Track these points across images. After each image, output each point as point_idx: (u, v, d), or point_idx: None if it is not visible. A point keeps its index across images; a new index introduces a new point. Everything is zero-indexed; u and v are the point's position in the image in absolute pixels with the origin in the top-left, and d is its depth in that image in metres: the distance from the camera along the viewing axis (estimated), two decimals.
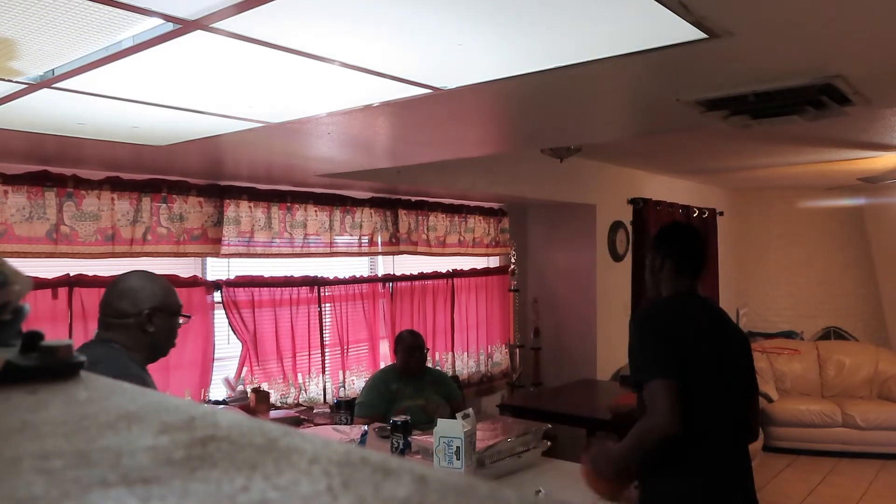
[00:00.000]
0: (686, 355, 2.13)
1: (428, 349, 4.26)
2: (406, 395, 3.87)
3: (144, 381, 1.87)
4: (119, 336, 1.92)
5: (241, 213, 3.91)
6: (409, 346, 4.01)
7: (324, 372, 4.34)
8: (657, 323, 2.23)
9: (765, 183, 7.01)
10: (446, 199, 5.17)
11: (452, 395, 4.11)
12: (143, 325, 1.92)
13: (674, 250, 2.34)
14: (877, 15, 1.45)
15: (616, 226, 5.84)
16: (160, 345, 1.99)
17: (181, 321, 2.04)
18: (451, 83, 1.85)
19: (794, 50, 1.68)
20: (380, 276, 4.85)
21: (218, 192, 3.83)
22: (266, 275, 4.08)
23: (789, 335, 7.25)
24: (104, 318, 1.95)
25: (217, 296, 3.87)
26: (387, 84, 1.83)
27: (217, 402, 3.72)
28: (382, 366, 4.49)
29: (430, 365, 4.49)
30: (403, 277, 4.91)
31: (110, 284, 2.01)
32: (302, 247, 4.23)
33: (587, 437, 4.90)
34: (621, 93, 2.19)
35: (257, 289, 4.01)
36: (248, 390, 3.85)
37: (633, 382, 2.23)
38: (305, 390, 4.24)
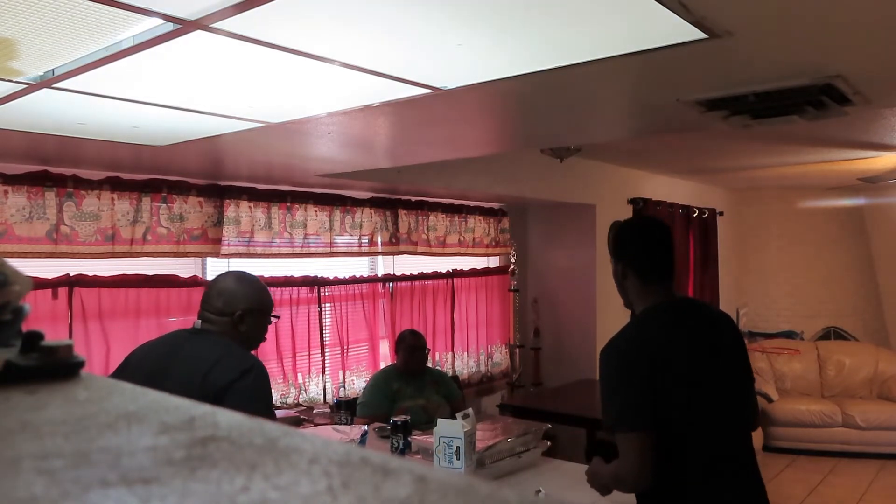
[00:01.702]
0: (666, 387, 1.91)
1: (429, 349, 4.26)
2: (406, 395, 3.87)
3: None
4: (217, 329, 2.13)
5: (241, 213, 3.91)
6: (411, 346, 4.01)
7: (324, 372, 4.34)
8: (625, 359, 1.96)
9: (765, 183, 7.01)
10: (446, 199, 5.17)
11: (452, 394, 4.11)
12: (236, 324, 2.13)
13: (632, 255, 2.07)
14: (877, 15, 1.45)
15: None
16: (251, 340, 2.19)
17: (272, 320, 2.23)
18: (451, 83, 1.85)
19: (794, 50, 1.68)
20: (380, 276, 4.85)
21: (218, 192, 3.83)
22: (266, 275, 4.08)
23: (789, 335, 7.25)
24: (204, 313, 2.17)
25: None
26: (387, 84, 1.83)
27: None
28: (383, 366, 4.49)
29: (430, 365, 4.49)
30: (403, 277, 4.91)
31: (211, 282, 2.25)
32: (302, 247, 4.23)
33: (587, 437, 4.90)
34: (621, 93, 2.19)
35: None
36: None
37: (604, 423, 1.99)
38: (305, 390, 4.24)
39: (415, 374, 3.98)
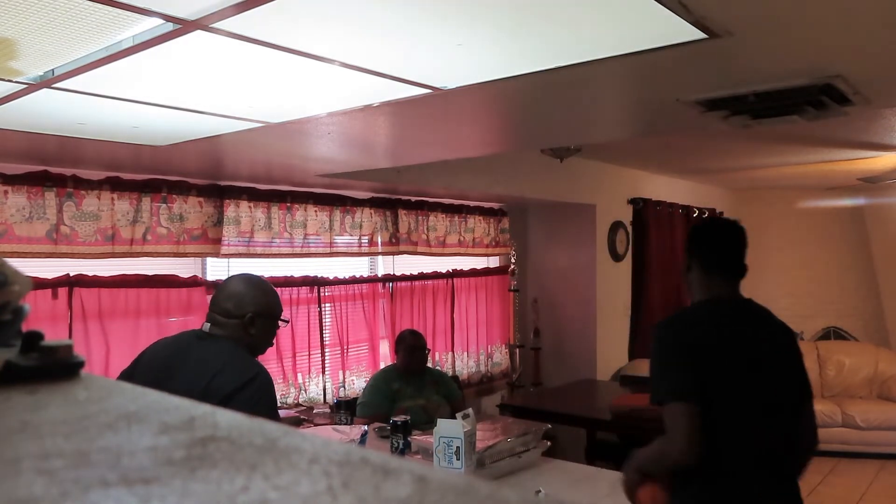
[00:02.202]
0: (709, 374, 1.97)
1: (429, 349, 4.25)
2: (406, 395, 3.87)
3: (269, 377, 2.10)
4: (226, 332, 2.12)
5: (241, 213, 3.91)
6: (411, 346, 4.01)
7: (324, 372, 4.34)
8: (678, 337, 2.04)
9: (765, 183, 7.00)
10: (446, 199, 5.17)
11: (452, 394, 4.11)
12: (245, 327, 2.12)
13: (701, 251, 2.14)
14: (877, 15, 1.45)
15: (616, 226, 5.84)
16: (259, 344, 2.19)
17: (280, 325, 2.23)
18: (451, 83, 1.85)
19: (794, 50, 1.68)
20: (380, 276, 4.85)
21: (218, 192, 3.83)
22: (266, 275, 4.07)
23: None
24: (213, 315, 2.15)
25: None
26: (387, 84, 1.83)
27: None
28: (383, 366, 4.49)
29: (430, 365, 4.49)
30: (403, 277, 4.91)
31: (221, 284, 2.26)
32: (302, 247, 4.23)
33: (587, 437, 4.90)
34: (621, 93, 2.19)
35: None
36: None
37: (652, 399, 2.06)
38: (305, 390, 4.24)
39: (415, 374, 3.98)
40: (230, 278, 2.27)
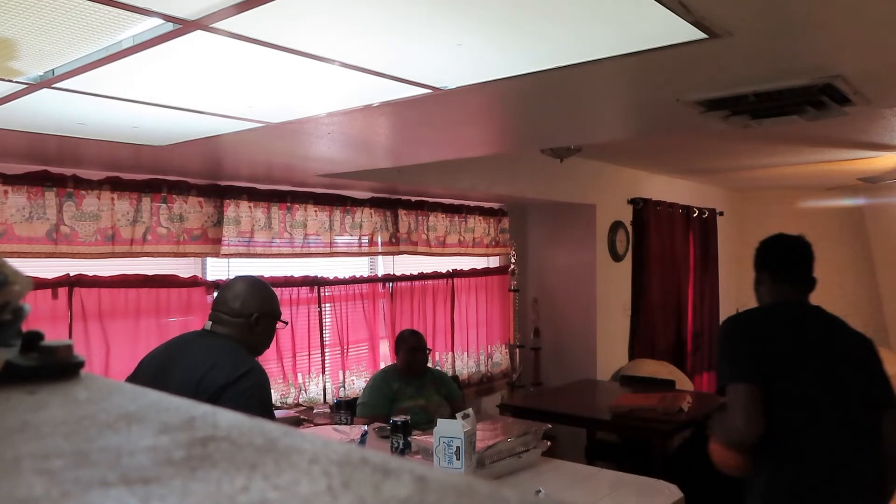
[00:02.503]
0: (773, 366, 2.06)
1: (430, 349, 4.25)
2: (407, 395, 3.87)
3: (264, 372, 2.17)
4: (229, 331, 2.19)
5: (241, 213, 3.91)
6: (412, 347, 4.00)
7: (324, 372, 4.34)
8: (744, 330, 2.18)
9: (765, 183, 7.00)
10: (446, 199, 5.17)
11: (453, 394, 4.11)
12: (251, 326, 2.21)
13: (771, 265, 2.28)
14: (877, 15, 1.45)
15: (616, 226, 5.84)
16: (260, 344, 2.27)
17: (279, 325, 2.33)
18: (451, 83, 1.85)
19: (794, 50, 1.68)
20: (380, 276, 4.85)
21: (218, 192, 3.83)
22: (266, 275, 4.08)
23: None
24: (218, 314, 2.22)
25: None
26: (387, 84, 1.83)
27: None
28: (382, 366, 4.49)
29: (430, 365, 4.49)
30: (403, 277, 4.91)
31: (226, 284, 2.34)
32: (302, 247, 4.23)
33: (587, 437, 4.91)
34: (621, 93, 2.19)
35: None
36: None
37: (717, 388, 2.20)
38: (305, 390, 4.23)
39: (416, 374, 3.98)
40: (236, 279, 2.36)
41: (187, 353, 2.11)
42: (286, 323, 2.43)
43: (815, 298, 2.30)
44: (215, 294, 2.44)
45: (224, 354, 2.08)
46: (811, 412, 2.07)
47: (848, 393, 2.09)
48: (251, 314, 2.19)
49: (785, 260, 2.27)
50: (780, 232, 2.38)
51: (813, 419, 2.07)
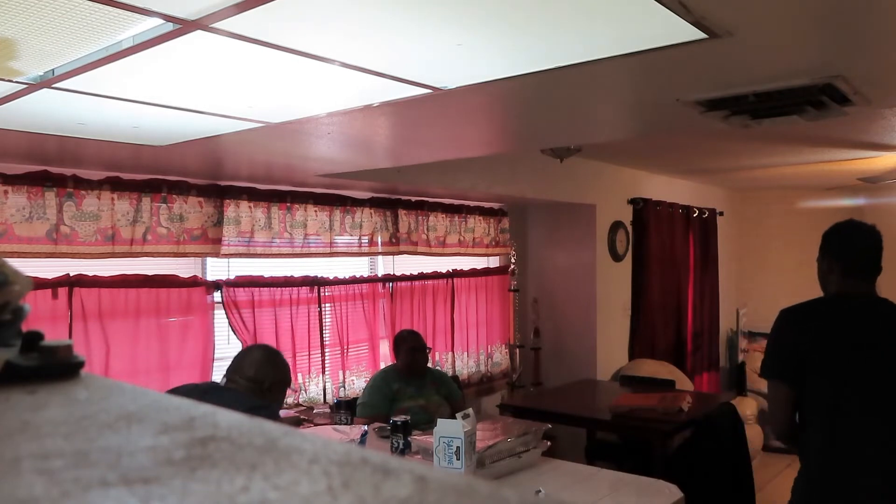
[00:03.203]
0: (809, 358, 2.16)
1: (430, 348, 4.24)
2: (407, 395, 3.87)
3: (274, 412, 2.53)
4: (243, 391, 2.46)
5: (241, 213, 3.91)
6: (412, 347, 4.00)
7: (324, 372, 4.34)
8: (793, 324, 2.26)
9: (765, 183, 7.00)
10: (446, 199, 5.17)
11: (453, 394, 4.10)
12: (262, 392, 2.47)
13: (834, 251, 2.28)
14: (877, 15, 1.45)
15: (616, 226, 5.84)
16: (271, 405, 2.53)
17: (289, 392, 2.71)
18: (451, 83, 1.85)
19: (794, 50, 1.68)
20: (380, 276, 4.85)
21: (218, 192, 3.83)
22: (266, 275, 4.08)
23: None
24: (235, 376, 2.49)
25: (217, 296, 3.87)
26: (387, 84, 1.83)
27: None
28: (383, 366, 4.49)
29: (430, 365, 4.48)
30: (403, 277, 4.90)
31: (242, 352, 2.66)
32: (302, 247, 4.23)
33: (587, 437, 4.90)
34: (621, 93, 2.19)
35: (257, 289, 4.01)
36: None
37: (760, 372, 2.36)
38: (305, 390, 4.23)
39: (416, 374, 3.98)
40: (252, 348, 2.70)
41: (206, 400, 2.25)
42: (296, 391, 2.79)
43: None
44: (232, 360, 2.65)
45: (241, 398, 2.32)
46: (843, 405, 2.16)
47: (876, 391, 2.15)
48: (263, 382, 2.47)
49: (851, 252, 2.26)
50: (851, 219, 2.36)
51: (844, 412, 2.15)
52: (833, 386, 2.16)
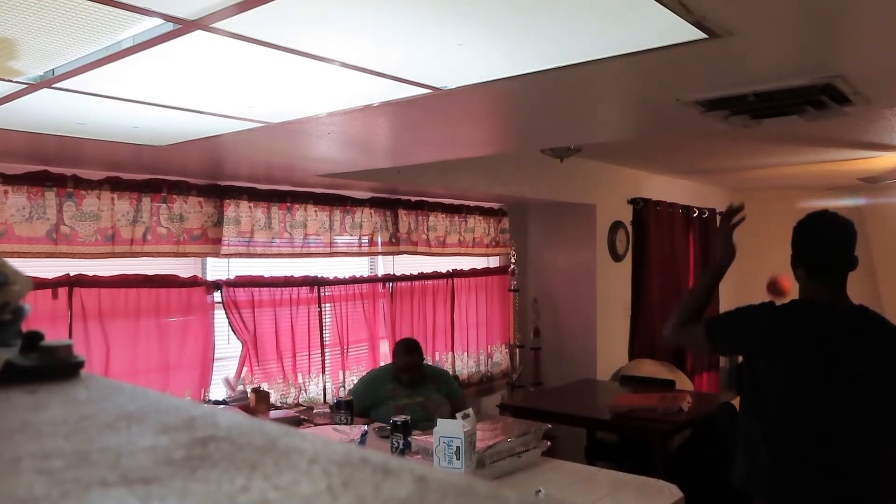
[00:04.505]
0: (754, 364, 2.16)
1: (426, 358, 4.13)
2: (404, 394, 3.86)
3: None
4: None
5: (241, 213, 3.91)
6: (405, 366, 3.91)
7: (324, 372, 4.34)
8: (751, 318, 2.20)
9: (765, 183, 7.00)
10: (446, 199, 5.17)
11: (454, 393, 4.09)
12: None
13: (796, 250, 2.19)
14: (877, 15, 1.45)
15: (616, 226, 5.84)
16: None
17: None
18: (451, 83, 1.85)
19: (794, 50, 1.68)
20: (380, 276, 4.85)
21: (218, 192, 3.83)
22: (266, 275, 4.08)
23: None
24: None
25: (217, 296, 3.87)
26: (387, 84, 1.83)
27: (217, 402, 3.72)
28: (382, 364, 4.48)
29: (430, 362, 4.48)
30: (403, 277, 4.90)
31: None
32: (302, 247, 4.23)
33: (587, 437, 4.90)
34: (621, 93, 2.19)
35: (257, 289, 4.01)
36: (248, 390, 3.85)
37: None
38: (305, 390, 4.23)
39: (411, 383, 3.94)
40: None
41: None
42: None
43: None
44: None
45: None
46: (780, 415, 2.10)
47: (849, 399, 2.04)
48: None
49: (820, 250, 2.10)
50: (818, 210, 2.17)
51: (783, 422, 2.09)
52: (771, 396, 2.10)
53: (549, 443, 3.03)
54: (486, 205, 5.50)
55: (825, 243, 2.12)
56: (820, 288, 2.12)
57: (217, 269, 3.98)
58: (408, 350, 3.97)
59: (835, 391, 2.04)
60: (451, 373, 5.06)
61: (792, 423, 2.07)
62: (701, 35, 1.47)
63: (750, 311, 2.20)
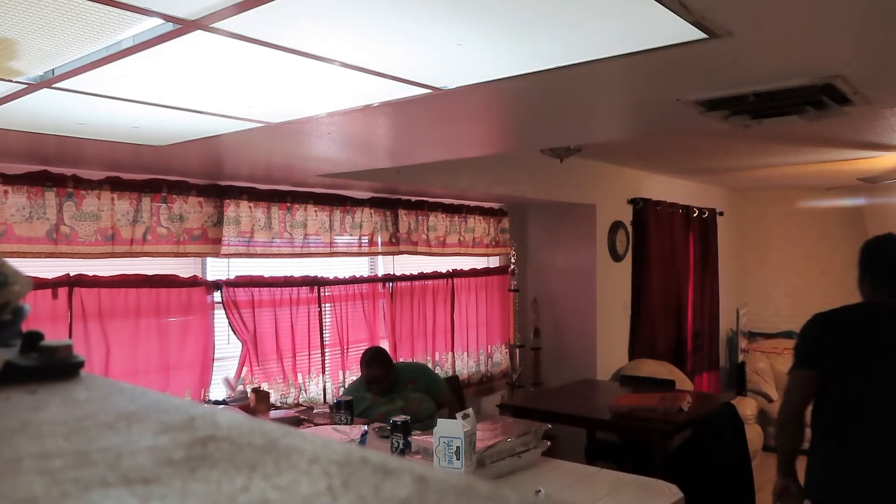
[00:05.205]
0: (835, 363, 2.34)
1: (392, 370, 4.00)
2: (382, 402, 3.84)
3: None
4: None
5: (241, 213, 3.91)
6: (369, 379, 3.89)
7: (324, 372, 4.34)
8: (821, 324, 2.44)
9: (765, 183, 7.00)
10: (446, 199, 5.17)
11: (433, 385, 4.05)
12: None
13: (865, 262, 2.50)
14: (877, 15, 1.45)
15: (616, 226, 5.84)
16: None
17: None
18: (451, 83, 1.85)
19: (794, 50, 1.68)
20: (380, 276, 4.85)
21: (218, 192, 3.83)
22: (266, 275, 4.08)
23: (789, 335, 7.24)
24: None
25: (217, 296, 3.87)
26: (387, 84, 1.83)
27: (217, 402, 3.72)
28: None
29: (410, 360, 4.44)
30: (403, 277, 4.90)
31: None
32: (302, 247, 4.23)
33: (587, 437, 4.90)
34: (621, 93, 2.19)
35: (257, 289, 4.01)
36: (248, 390, 3.85)
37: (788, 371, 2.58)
38: (305, 390, 4.23)
39: (381, 391, 3.92)
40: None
41: None
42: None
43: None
44: None
45: None
46: (864, 410, 2.29)
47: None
48: None
49: (886, 267, 2.45)
50: (888, 233, 2.55)
51: (865, 417, 2.28)
52: (855, 390, 2.30)
53: (549, 443, 3.03)
54: (486, 205, 5.50)
55: (890, 257, 2.49)
56: (883, 296, 2.43)
57: (217, 269, 3.98)
58: (368, 363, 3.94)
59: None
60: (451, 373, 5.06)
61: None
62: (701, 35, 1.47)
63: (815, 327, 2.48)
